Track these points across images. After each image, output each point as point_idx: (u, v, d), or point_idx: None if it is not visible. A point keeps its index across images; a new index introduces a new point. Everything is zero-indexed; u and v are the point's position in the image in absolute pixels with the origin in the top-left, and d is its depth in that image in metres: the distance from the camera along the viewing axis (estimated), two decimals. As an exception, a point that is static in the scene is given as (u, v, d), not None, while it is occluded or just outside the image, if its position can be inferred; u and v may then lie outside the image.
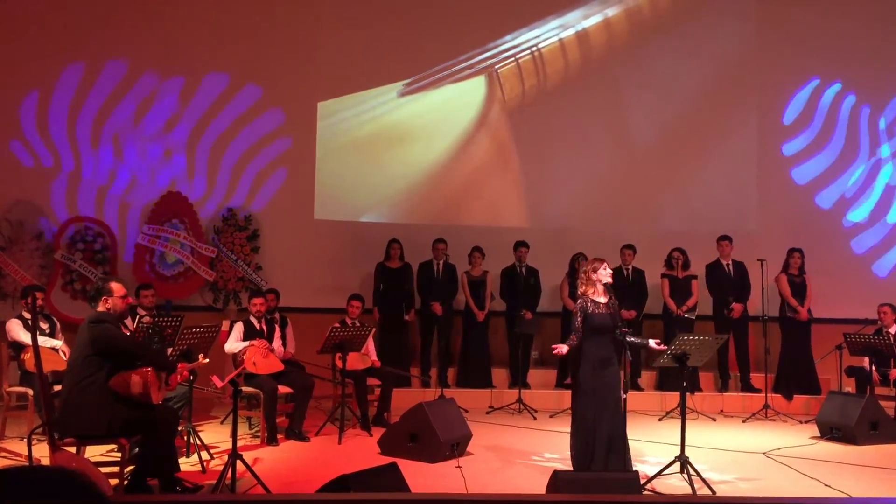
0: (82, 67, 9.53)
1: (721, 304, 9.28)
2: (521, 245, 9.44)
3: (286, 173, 9.85)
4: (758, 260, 8.91)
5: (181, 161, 9.71)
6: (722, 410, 8.95)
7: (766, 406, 8.61)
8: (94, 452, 5.83)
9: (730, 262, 9.36)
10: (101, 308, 5.10)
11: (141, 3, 9.68)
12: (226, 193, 9.77)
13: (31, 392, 6.68)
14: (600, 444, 5.52)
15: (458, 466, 6.23)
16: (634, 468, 5.73)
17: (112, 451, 5.92)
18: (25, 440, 5.20)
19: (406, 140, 10.03)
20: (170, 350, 6.32)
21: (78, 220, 9.30)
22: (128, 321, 6.89)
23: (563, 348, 5.78)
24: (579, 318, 5.70)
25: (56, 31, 9.42)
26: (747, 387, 9.25)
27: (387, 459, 5.44)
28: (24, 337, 6.76)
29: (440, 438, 6.37)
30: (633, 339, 6.07)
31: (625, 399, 5.63)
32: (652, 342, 5.93)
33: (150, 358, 5.15)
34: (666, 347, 5.82)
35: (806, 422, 8.24)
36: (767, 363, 8.80)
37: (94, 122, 9.55)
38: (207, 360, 6.01)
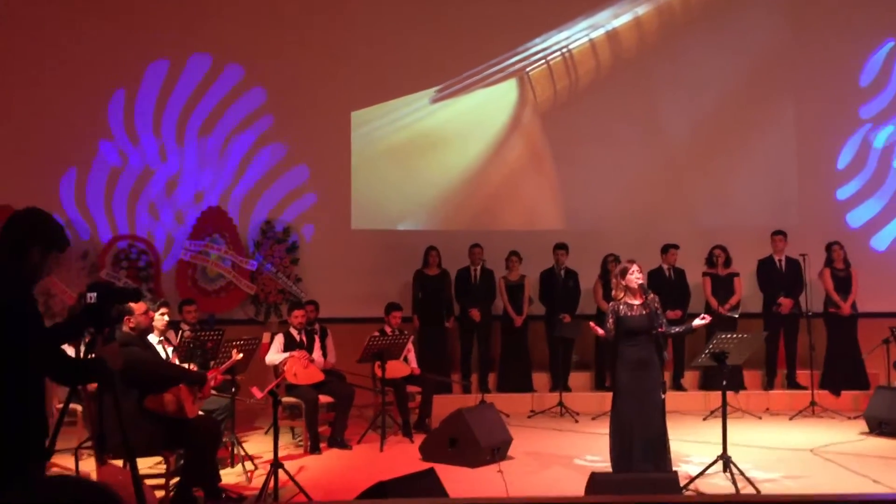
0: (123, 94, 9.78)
1: (771, 301, 9.14)
2: (559, 247, 9.40)
3: (323, 184, 9.95)
4: (799, 255, 8.79)
5: (222, 176, 9.88)
6: (768, 408, 8.81)
7: (812, 403, 8.45)
8: (141, 465, 5.96)
9: (782, 258, 9.20)
10: (124, 328, 5.20)
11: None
12: (265, 207, 9.89)
13: (79, 408, 6.85)
14: (638, 445, 5.48)
15: (499, 471, 6.24)
16: (676, 469, 5.68)
17: (159, 463, 6.04)
18: (73, 454, 5.33)
19: (440, 146, 10.07)
20: (212, 363, 6.46)
21: (122, 238, 9.51)
22: (171, 335, 7.05)
23: (599, 330, 5.80)
24: (611, 320, 5.69)
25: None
26: (793, 384, 9.10)
27: (428, 466, 5.48)
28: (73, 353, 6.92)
29: (480, 443, 6.39)
30: (675, 329, 6.05)
31: (663, 400, 5.58)
32: (697, 320, 5.88)
33: (176, 377, 5.24)
34: (710, 318, 5.79)
35: (854, 417, 8.08)
36: (813, 359, 8.64)
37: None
38: (241, 355, 6.14)
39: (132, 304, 5.25)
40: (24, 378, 2.88)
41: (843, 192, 10.14)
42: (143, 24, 9.72)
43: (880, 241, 10.08)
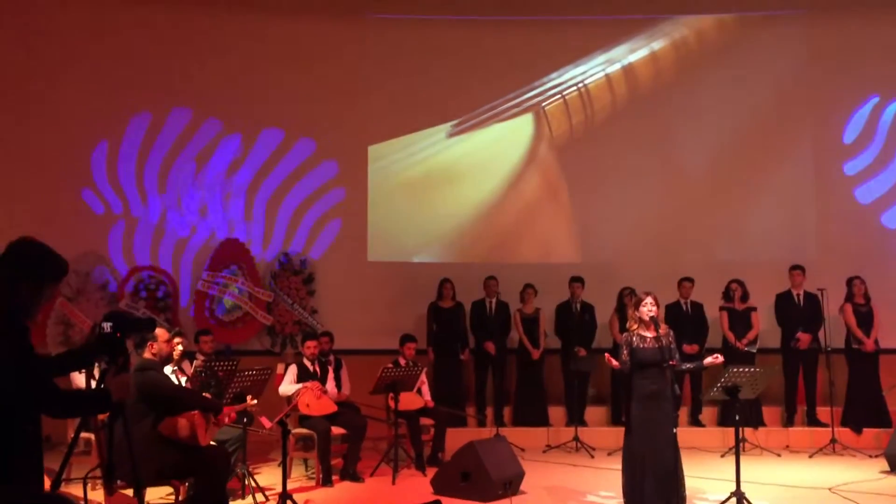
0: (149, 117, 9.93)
1: (790, 336, 9.03)
2: (575, 280, 9.38)
3: (339, 217, 10.03)
4: (818, 290, 8.69)
5: (239, 208, 9.99)
6: (787, 446, 8.67)
7: (833, 440, 8.31)
8: (152, 495, 5.98)
9: (800, 293, 9.10)
10: (146, 354, 5.27)
11: (197, 66, 10.00)
12: (281, 239, 9.98)
13: (93, 437, 6.88)
14: (650, 480, 5.42)
15: (511, 506, 6.19)
16: (690, 505, 5.60)
17: (170, 494, 6.04)
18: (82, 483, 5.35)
19: (456, 180, 10.13)
20: (226, 397, 6.47)
21: (141, 269, 9.61)
22: (185, 365, 7.09)
23: (614, 361, 5.75)
24: (625, 351, 5.66)
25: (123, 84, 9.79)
26: (813, 421, 8.95)
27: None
28: (82, 382, 6.98)
29: (492, 477, 6.33)
30: (686, 365, 6.00)
31: (675, 434, 5.52)
32: (709, 359, 5.83)
33: (193, 402, 5.28)
34: (723, 359, 5.73)
35: (876, 456, 7.91)
36: (833, 396, 8.51)
37: (160, 169, 9.89)
38: (255, 401, 6.13)
39: (157, 331, 5.31)
40: (8, 409, 2.89)
41: (869, 219, 10.02)
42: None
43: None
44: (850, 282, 8.92)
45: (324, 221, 10.02)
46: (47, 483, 3.30)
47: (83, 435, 7.10)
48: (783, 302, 9.16)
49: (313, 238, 10.00)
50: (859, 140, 10.10)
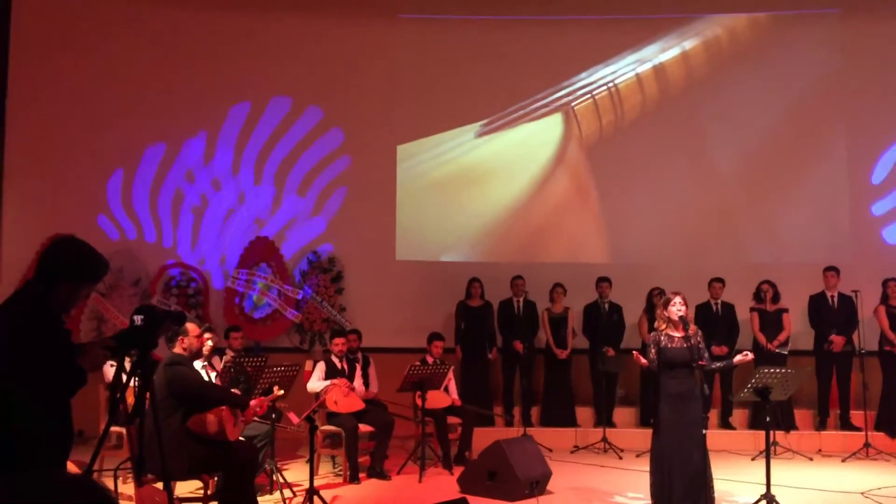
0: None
1: (823, 338, 8.91)
2: (602, 281, 9.34)
3: (368, 216, 10.07)
4: (852, 291, 8.56)
5: (267, 204, 10.08)
6: (820, 450, 8.55)
7: (867, 445, 8.18)
8: (182, 489, 6.05)
9: (835, 295, 8.96)
10: (177, 349, 5.34)
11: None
12: (310, 237, 10.05)
13: (125, 431, 6.97)
14: (678, 481, 5.37)
15: (538, 505, 6.17)
16: (719, 508, 5.55)
17: (200, 488, 6.10)
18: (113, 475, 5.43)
19: (484, 180, 10.12)
20: (255, 392, 6.53)
21: (173, 266, 9.73)
22: (215, 361, 7.16)
23: (643, 359, 5.69)
24: (653, 350, 5.62)
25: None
26: (847, 425, 8.82)
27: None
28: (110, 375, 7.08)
29: (518, 476, 6.32)
30: (715, 364, 5.93)
31: (704, 435, 5.47)
32: (738, 356, 5.77)
33: (221, 398, 5.33)
34: (752, 356, 5.65)
35: (911, 461, 7.79)
36: (867, 399, 8.37)
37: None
38: (282, 391, 6.17)
39: (187, 325, 5.39)
40: (41, 396, 2.96)
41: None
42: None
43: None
44: (885, 283, 8.77)
45: (352, 220, 10.05)
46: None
47: (115, 429, 7.20)
48: (817, 303, 9.03)
49: (343, 236, 10.04)
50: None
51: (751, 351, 8.67)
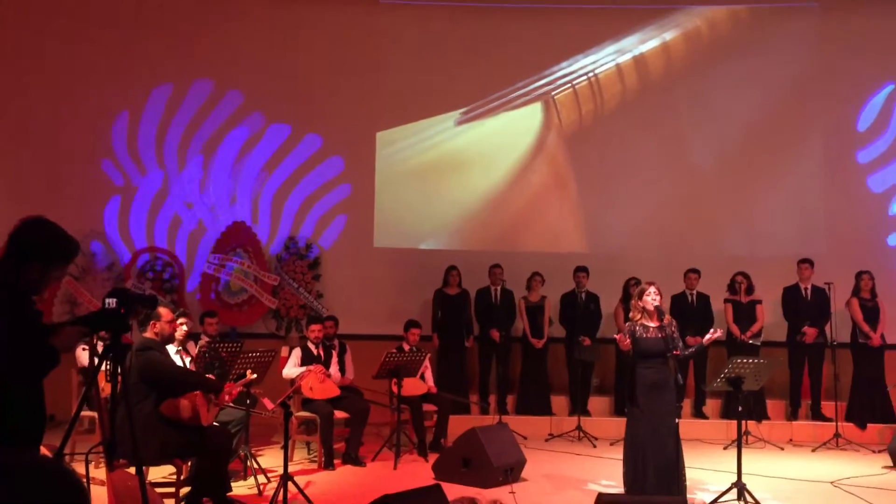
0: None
1: (796, 330, 9.00)
2: (580, 270, 9.37)
3: (346, 202, 10.02)
4: (825, 284, 8.66)
5: (247, 191, 10.00)
6: (791, 439, 8.66)
7: (836, 435, 8.29)
8: (155, 474, 6.02)
9: (808, 287, 9.06)
10: (148, 333, 5.30)
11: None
12: (287, 223, 9.98)
13: (97, 416, 6.92)
14: (652, 470, 5.42)
15: (512, 492, 6.19)
16: (692, 496, 5.60)
17: (172, 473, 6.07)
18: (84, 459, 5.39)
19: (464, 168, 10.11)
20: (230, 377, 6.49)
21: (148, 250, 9.64)
22: (190, 346, 7.12)
23: (627, 340, 5.65)
24: (628, 341, 5.64)
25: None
26: (818, 415, 8.93)
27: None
28: (85, 359, 7.03)
29: (493, 463, 6.34)
30: (689, 350, 5.94)
31: (677, 425, 5.51)
32: (707, 335, 5.77)
33: (194, 383, 5.30)
34: (722, 333, 5.64)
35: (879, 451, 7.89)
36: (838, 391, 8.48)
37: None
38: (255, 375, 6.15)
39: (160, 310, 5.35)
40: (12, 377, 2.94)
41: (874, 220, 9.96)
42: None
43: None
44: (858, 276, 8.87)
45: (327, 204, 9.99)
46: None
47: (87, 413, 7.16)
48: (790, 295, 9.12)
49: (320, 224, 9.99)
50: (873, 128, 10.01)
51: (724, 343, 8.83)
